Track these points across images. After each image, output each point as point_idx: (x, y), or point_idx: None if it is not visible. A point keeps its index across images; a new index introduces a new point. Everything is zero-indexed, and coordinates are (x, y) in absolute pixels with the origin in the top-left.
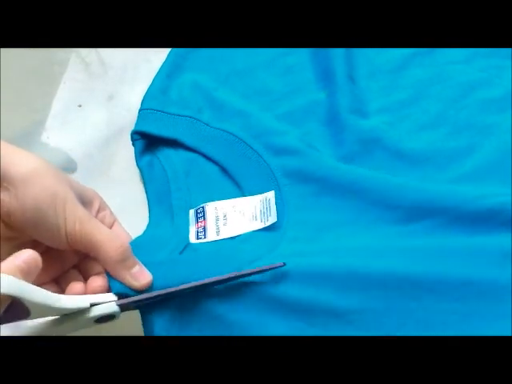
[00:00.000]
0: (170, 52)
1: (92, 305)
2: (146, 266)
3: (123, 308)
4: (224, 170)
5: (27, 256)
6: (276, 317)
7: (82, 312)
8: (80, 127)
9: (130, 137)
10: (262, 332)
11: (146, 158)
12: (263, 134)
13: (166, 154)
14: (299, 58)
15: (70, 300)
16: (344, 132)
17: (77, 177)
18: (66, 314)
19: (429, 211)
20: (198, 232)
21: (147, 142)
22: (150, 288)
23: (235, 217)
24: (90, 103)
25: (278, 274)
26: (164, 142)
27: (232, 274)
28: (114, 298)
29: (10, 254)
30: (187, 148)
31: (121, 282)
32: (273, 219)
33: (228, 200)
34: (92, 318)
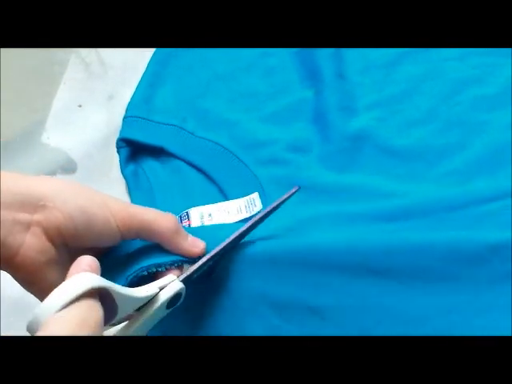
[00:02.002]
0: (150, 60)
1: (160, 289)
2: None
3: (186, 284)
4: (209, 179)
5: (89, 259)
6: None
7: (153, 301)
8: (80, 127)
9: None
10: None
11: (131, 167)
12: (250, 145)
13: (150, 165)
14: (280, 59)
15: (143, 289)
16: (333, 129)
17: (77, 177)
18: (139, 310)
19: (413, 213)
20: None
21: (132, 149)
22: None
23: (220, 214)
24: (90, 103)
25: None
26: (148, 150)
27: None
28: (174, 277)
29: None
30: (171, 156)
31: (177, 254)
32: (258, 208)
33: (212, 204)
34: (163, 303)
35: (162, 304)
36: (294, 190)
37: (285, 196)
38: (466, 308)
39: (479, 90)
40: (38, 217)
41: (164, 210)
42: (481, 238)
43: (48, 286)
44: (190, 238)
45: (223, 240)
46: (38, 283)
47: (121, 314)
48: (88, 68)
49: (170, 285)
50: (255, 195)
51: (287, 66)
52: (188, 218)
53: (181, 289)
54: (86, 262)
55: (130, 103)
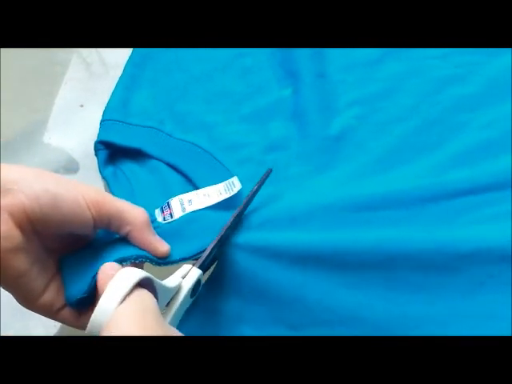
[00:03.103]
0: (126, 63)
1: (183, 277)
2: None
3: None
4: (188, 179)
5: (109, 264)
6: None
7: (178, 292)
8: (82, 127)
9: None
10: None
11: (110, 169)
12: (228, 146)
13: (129, 167)
14: (256, 59)
15: (170, 281)
16: (312, 128)
17: (79, 176)
18: (168, 304)
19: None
20: (164, 218)
21: (110, 152)
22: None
23: (200, 199)
24: (92, 103)
25: None
26: (126, 153)
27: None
28: (190, 265)
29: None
30: (149, 157)
31: (144, 249)
32: (238, 187)
33: (192, 192)
34: (188, 292)
35: (187, 293)
36: (267, 173)
37: (261, 180)
38: (440, 318)
39: (460, 89)
40: (3, 201)
41: (146, 209)
42: (453, 247)
43: (15, 275)
44: (158, 237)
45: (210, 227)
46: (4, 271)
47: (159, 305)
48: (89, 68)
49: (189, 273)
50: (234, 178)
51: (264, 66)
52: (169, 207)
53: (200, 275)
54: (110, 266)
55: (107, 107)
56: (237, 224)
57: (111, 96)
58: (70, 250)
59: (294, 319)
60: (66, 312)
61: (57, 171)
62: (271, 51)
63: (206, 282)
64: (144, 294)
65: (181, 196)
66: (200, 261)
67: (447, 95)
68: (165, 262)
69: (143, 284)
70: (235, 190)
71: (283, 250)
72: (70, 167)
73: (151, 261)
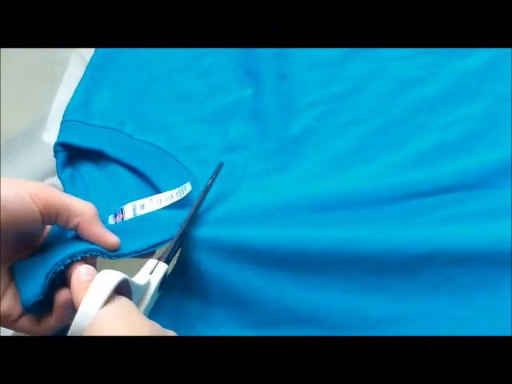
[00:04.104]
0: (87, 65)
1: (150, 273)
2: None
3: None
4: (147, 181)
5: (84, 267)
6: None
7: (147, 288)
8: None
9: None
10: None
11: (68, 171)
12: (187, 147)
13: (87, 170)
14: (216, 60)
15: (140, 277)
16: (271, 129)
17: None
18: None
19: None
20: (116, 223)
21: (69, 154)
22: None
23: (152, 204)
24: None
25: None
26: (86, 155)
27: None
28: (154, 262)
29: None
30: (109, 159)
31: (94, 242)
32: (188, 190)
33: (146, 198)
34: (156, 287)
35: (156, 288)
36: (219, 166)
37: (214, 173)
38: (397, 319)
39: (421, 90)
40: None
41: (99, 215)
42: (409, 248)
43: None
44: (107, 230)
45: (162, 224)
46: None
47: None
48: None
49: (156, 269)
50: (187, 184)
51: (224, 67)
52: (122, 212)
53: (166, 269)
54: (85, 271)
55: (67, 108)
56: (194, 219)
57: (72, 98)
58: (23, 256)
59: (253, 319)
60: (25, 320)
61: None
62: (231, 52)
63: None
64: (122, 299)
65: (134, 202)
66: (165, 255)
67: (409, 96)
68: (115, 254)
69: (120, 285)
70: (185, 193)
71: (240, 247)
72: None
73: (102, 254)
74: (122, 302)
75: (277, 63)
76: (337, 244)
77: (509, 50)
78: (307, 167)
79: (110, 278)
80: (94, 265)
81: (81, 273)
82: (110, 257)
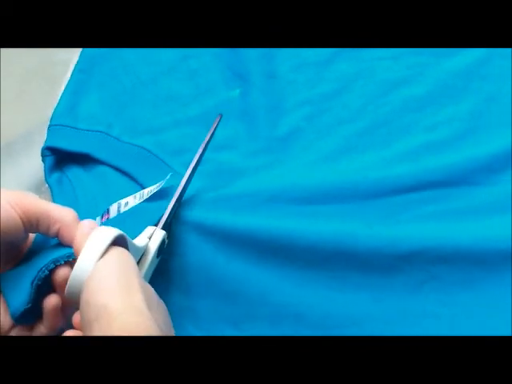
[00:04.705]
0: (73, 69)
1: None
2: None
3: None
4: (135, 183)
5: (87, 221)
6: None
7: (146, 253)
8: None
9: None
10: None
11: (56, 175)
12: (175, 150)
13: (76, 173)
14: (202, 61)
15: (139, 240)
16: (259, 129)
17: None
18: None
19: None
20: (102, 223)
21: (57, 158)
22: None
23: (136, 201)
24: None
25: None
26: (73, 159)
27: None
28: (152, 228)
29: None
30: (97, 162)
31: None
32: (167, 178)
33: (131, 195)
34: (155, 251)
35: (154, 253)
36: (218, 119)
37: (213, 127)
38: (381, 317)
39: (408, 90)
40: None
41: (88, 216)
42: (393, 246)
43: None
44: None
45: (144, 217)
46: None
47: None
48: None
49: (154, 234)
50: (167, 176)
51: (210, 68)
52: (108, 212)
53: (164, 235)
54: (88, 224)
55: (54, 112)
56: (189, 183)
57: (58, 102)
58: (9, 267)
59: (236, 314)
60: (17, 331)
61: None
62: (217, 53)
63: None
64: (122, 251)
65: (119, 200)
66: (162, 221)
67: (395, 97)
68: None
69: (117, 243)
70: (164, 182)
71: (227, 234)
72: None
73: None
74: (120, 253)
75: (264, 63)
76: (322, 237)
77: (496, 49)
78: (295, 164)
79: (107, 232)
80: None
81: (84, 226)
82: None
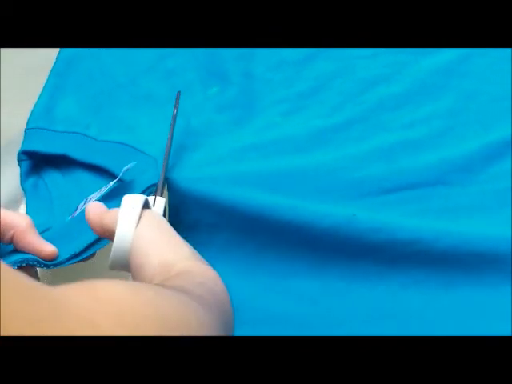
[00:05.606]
0: (50, 73)
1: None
2: None
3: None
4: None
5: (94, 203)
6: None
7: None
8: None
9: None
10: None
11: (31, 180)
12: (151, 141)
13: (52, 177)
14: (179, 61)
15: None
16: (237, 125)
17: None
18: None
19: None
20: (70, 220)
21: (34, 162)
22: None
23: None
24: None
25: None
26: (50, 162)
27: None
28: (152, 197)
29: None
30: (73, 164)
31: (29, 252)
32: (129, 166)
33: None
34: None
35: None
36: (178, 95)
37: (175, 102)
38: (365, 318)
39: (387, 88)
40: None
41: (62, 218)
42: (380, 251)
43: None
44: (43, 239)
45: None
46: None
47: None
48: None
49: (156, 203)
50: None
51: (187, 68)
52: (76, 209)
53: (165, 202)
54: (96, 204)
55: (30, 115)
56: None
57: (35, 105)
58: None
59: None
60: None
61: None
62: (193, 52)
63: None
64: (152, 213)
65: (87, 197)
66: (159, 190)
67: (373, 95)
68: (53, 263)
69: (144, 206)
70: (125, 169)
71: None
72: None
73: (39, 263)
74: (150, 215)
75: (242, 63)
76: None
77: (475, 49)
78: (266, 154)
79: (137, 199)
80: (34, 275)
81: (93, 206)
82: (47, 266)
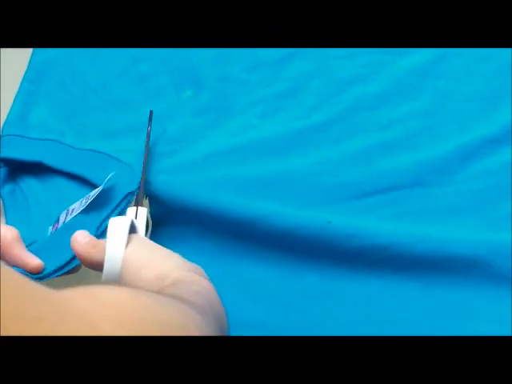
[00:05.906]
0: (22, 80)
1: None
2: None
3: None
4: (90, 187)
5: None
6: None
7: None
8: None
9: None
10: None
11: (8, 187)
12: (127, 149)
13: (28, 183)
14: (151, 65)
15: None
16: (212, 129)
17: None
18: None
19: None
20: (52, 233)
21: (10, 169)
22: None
23: (81, 206)
24: None
25: None
26: (26, 168)
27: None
28: (134, 208)
29: None
30: (49, 171)
31: (15, 266)
32: (109, 176)
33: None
34: (144, 228)
35: (143, 229)
36: (150, 114)
37: (149, 120)
38: (342, 321)
39: (363, 89)
40: None
41: (42, 227)
42: (358, 255)
43: None
44: (29, 252)
45: None
46: None
47: None
48: None
49: (139, 213)
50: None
51: (160, 71)
52: (57, 221)
53: (147, 212)
54: (82, 233)
55: (4, 123)
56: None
57: (9, 113)
58: None
59: None
60: None
61: None
62: (165, 56)
63: None
64: (137, 236)
65: (68, 207)
66: (140, 201)
67: (350, 95)
68: (39, 276)
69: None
70: (106, 180)
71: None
72: None
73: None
74: (137, 238)
75: (217, 65)
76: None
77: (450, 49)
78: (244, 156)
79: (122, 222)
80: None
81: (79, 237)
82: (34, 279)
